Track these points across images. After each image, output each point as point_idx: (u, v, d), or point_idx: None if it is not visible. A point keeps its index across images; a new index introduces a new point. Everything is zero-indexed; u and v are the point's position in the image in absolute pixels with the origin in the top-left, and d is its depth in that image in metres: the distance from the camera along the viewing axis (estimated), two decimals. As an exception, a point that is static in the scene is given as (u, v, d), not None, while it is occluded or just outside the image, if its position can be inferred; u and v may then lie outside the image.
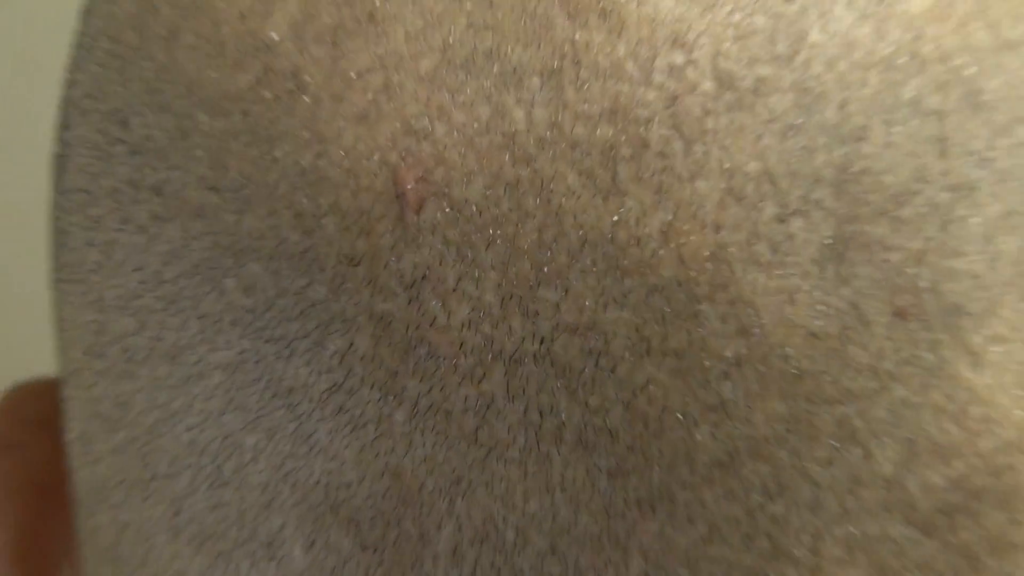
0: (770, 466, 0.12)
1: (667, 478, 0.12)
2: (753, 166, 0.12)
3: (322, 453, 0.13)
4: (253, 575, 0.13)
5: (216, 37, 0.13)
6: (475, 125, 0.12)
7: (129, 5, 0.14)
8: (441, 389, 0.13)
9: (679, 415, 0.12)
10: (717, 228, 0.12)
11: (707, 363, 0.12)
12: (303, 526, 0.13)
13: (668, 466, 0.12)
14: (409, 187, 0.12)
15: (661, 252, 0.12)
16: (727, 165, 0.12)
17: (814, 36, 0.12)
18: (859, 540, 0.13)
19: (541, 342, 0.12)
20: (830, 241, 0.12)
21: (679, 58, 0.12)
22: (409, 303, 0.12)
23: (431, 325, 0.12)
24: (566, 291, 0.12)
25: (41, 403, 0.18)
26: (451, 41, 0.12)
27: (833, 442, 0.12)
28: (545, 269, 0.12)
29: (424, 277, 0.12)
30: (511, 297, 0.12)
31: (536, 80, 0.12)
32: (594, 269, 0.12)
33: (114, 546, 0.15)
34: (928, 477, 0.13)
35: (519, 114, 0.12)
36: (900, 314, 0.13)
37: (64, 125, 0.16)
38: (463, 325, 0.12)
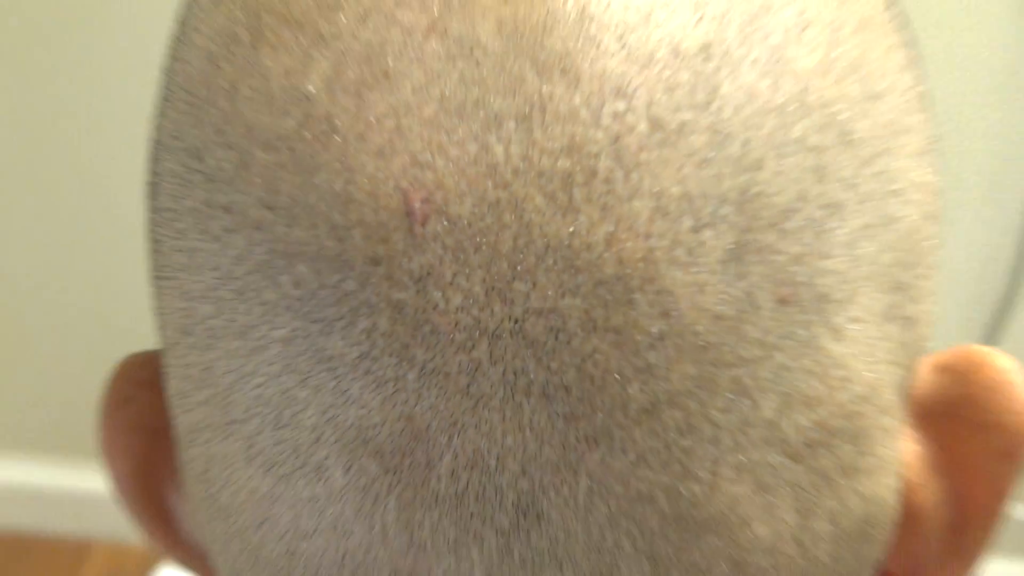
0: (683, 412, 0.13)
1: (607, 421, 0.13)
2: (676, 189, 0.13)
3: (355, 403, 0.13)
4: (306, 491, 0.14)
5: (266, 89, 0.14)
6: (466, 158, 0.13)
7: (199, 64, 0.15)
8: (442, 356, 0.13)
9: (616, 375, 0.13)
10: (648, 237, 0.13)
11: (638, 337, 0.13)
12: (342, 456, 0.14)
13: (608, 412, 0.13)
14: (416, 206, 0.13)
15: (605, 255, 0.13)
16: (656, 189, 0.13)
17: (725, 88, 0.13)
18: (746, 465, 0.13)
19: (515, 321, 0.13)
20: (732, 246, 0.13)
21: (621, 105, 0.13)
22: (417, 293, 0.13)
23: (434, 309, 0.13)
24: (534, 284, 0.13)
25: (147, 368, 0.19)
26: (447, 93, 0.13)
27: (730, 395, 0.13)
28: (518, 267, 0.13)
29: (429, 274, 0.13)
30: (493, 289, 0.13)
31: (512, 123, 0.13)
32: (555, 267, 0.13)
33: (204, 472, 0.16)
34: (798, 420, 0.14)
35: (499, 149, 0.13)
36: (782, 301, 0.13)
37: (154, 159, 0.16)
38: (458, 309, 0.13)
